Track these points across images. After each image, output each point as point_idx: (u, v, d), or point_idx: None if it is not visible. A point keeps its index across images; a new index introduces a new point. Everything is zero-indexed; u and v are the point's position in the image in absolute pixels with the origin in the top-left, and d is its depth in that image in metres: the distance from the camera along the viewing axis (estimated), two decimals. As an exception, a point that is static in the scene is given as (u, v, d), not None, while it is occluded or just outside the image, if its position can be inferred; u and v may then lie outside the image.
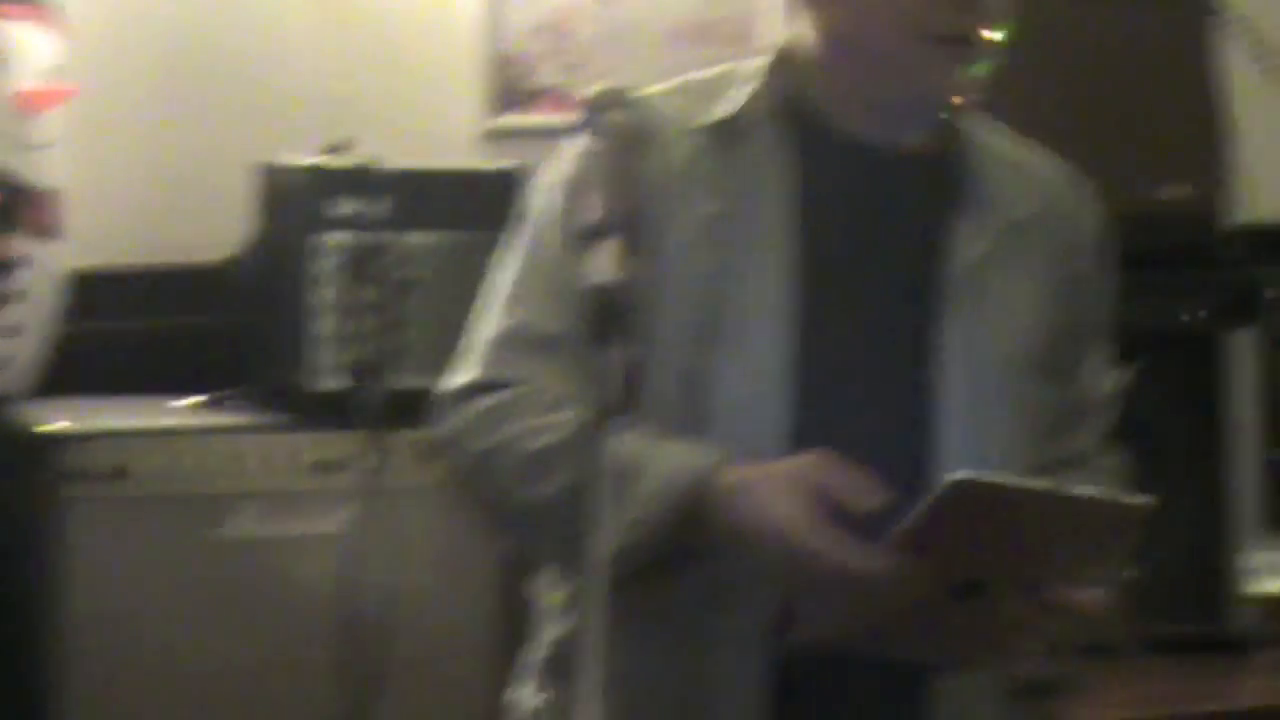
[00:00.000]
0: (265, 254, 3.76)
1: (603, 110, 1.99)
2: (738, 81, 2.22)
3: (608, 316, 1.74)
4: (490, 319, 2.22)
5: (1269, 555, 4.00)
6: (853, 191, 2.20)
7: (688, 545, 2.07)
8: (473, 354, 2.22)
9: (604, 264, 1.79)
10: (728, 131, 2.19)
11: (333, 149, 3.75)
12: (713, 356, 2.13)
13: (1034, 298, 2.23)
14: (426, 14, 4.29)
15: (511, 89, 4.37)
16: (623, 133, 1.96)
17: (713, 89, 2.23)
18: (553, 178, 2.23)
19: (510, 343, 2.20)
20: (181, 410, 3.74)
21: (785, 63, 2.23)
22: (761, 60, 2.24)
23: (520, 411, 2.15)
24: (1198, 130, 4.01)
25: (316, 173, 3.69)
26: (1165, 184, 3.98)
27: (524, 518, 2.18)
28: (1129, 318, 2.39)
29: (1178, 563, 3.77)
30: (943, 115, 2.23)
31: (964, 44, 2.14)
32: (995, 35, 2.16)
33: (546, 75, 4.38)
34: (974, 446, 2.15)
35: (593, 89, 2.02)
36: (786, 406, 2.12)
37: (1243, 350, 3.99)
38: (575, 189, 2.16)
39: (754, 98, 2.20)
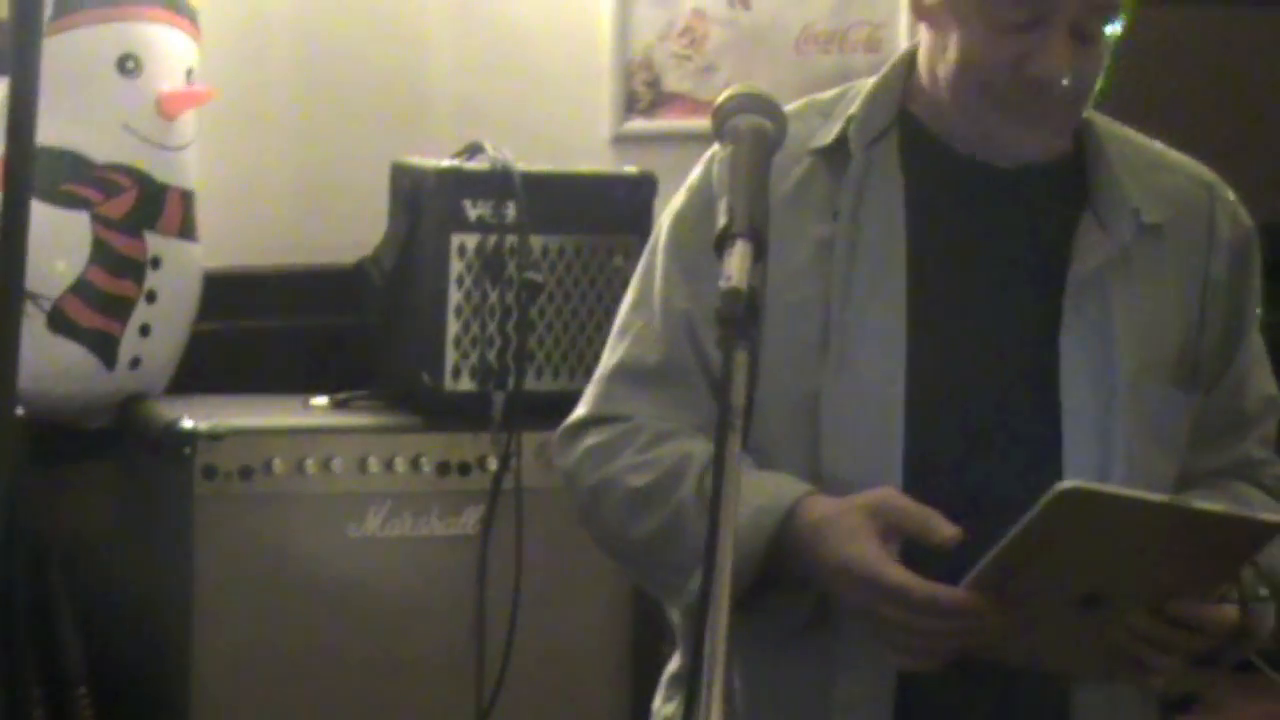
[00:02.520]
0: (398, 256, 3.78)
1: (734, 115, 1.98)
2: (852, 101, 2.22)
3: (735, 320, 1.73)
4: (607, 351, 2.27)
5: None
6: (966, 208, 2.19)
7: (779, 579, 2.07)
8: (590, 388, 2.26)
9: (733, 268, 1.79)
10: (836, 154, 2.19)
11: (466, 152, 3.77)
12: (825, 379, 2.13)
13: (1167, 303, 2.20)
14: (559, 19, 4.31)
15: (642, 94, 4.38)
16: (753, 136, 1.95)
17: (829, 110, 2.24)
18: (669, 209, 2.26)
19: (619, 377, 2.23)
20: (313, 410, 3.77)
21: (901, 79, 2.23)
22: (875, 78, 2.24)
23: (623, 448, 2.18)
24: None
25: (450, 175, 3.70)
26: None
27: (630, 553, 2.21)
28: (1266, 329, 2.36)
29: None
30: (1048, 145, 2.19)
31: (1033, 117, 2.12)
32: (1096, 74, 2.13)
33: (677, 81, 4.38)
34: (1099, 459, 2.13)
35: (725, 92, 2.02)
36: (899, 428, 2.12)
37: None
38: (690, 213, 2.20)
39: (859, 120, 2.20)
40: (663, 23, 4.38)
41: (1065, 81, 2.09)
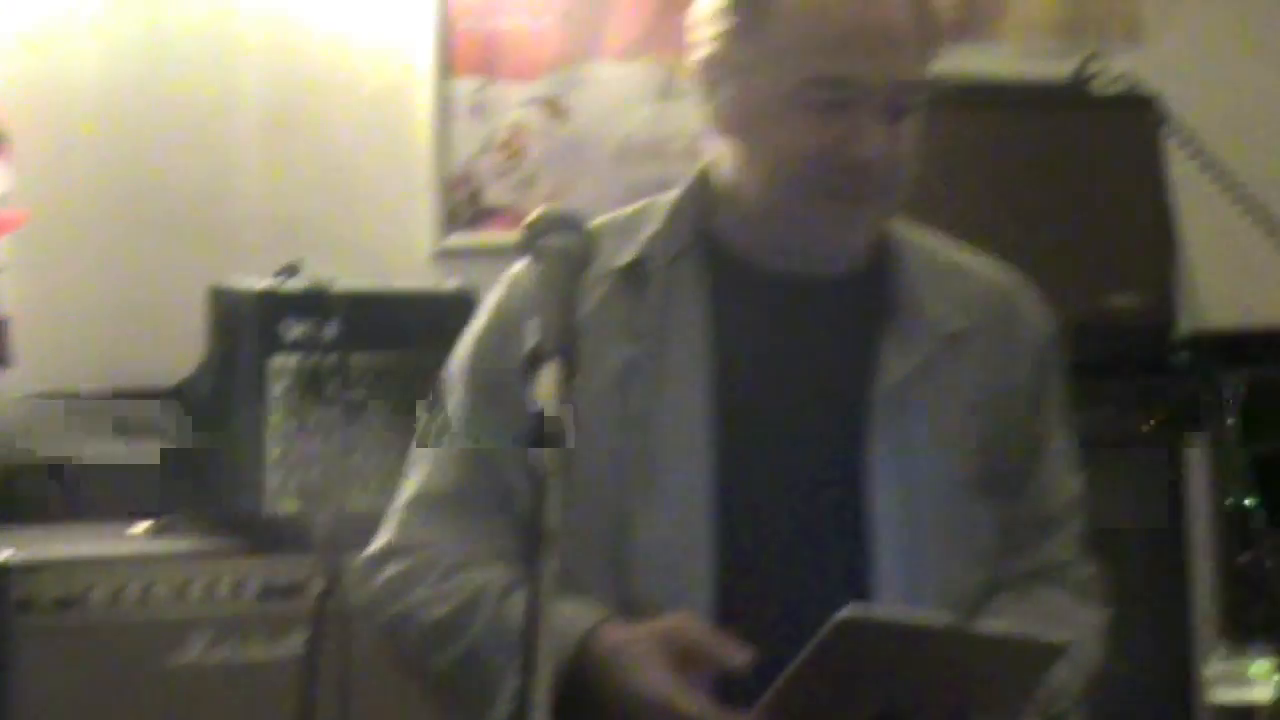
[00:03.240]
0: (216, 378, 3.73)
1: (542, 234, 1.98)
2: (653, 218, 2.22)
3: (545, 443, 1.72)
4: (405, 478, 2.25)
5: (1226, 664, 3.97)
6: (769, 322, 2.19)
7: (582, 707, 2.05)
8: (388, 516, 2.25)
9: (543, 390, 1.78)
10: (636, 274, 2.19)
11: (284, 272, 3.74)
12: (634, 502, 2.12)
13: (968, 412, 2.20)
14: (376, 134, 4.30)
15: (463, 208, 4.37)
16: (560, 255, 1.95)
17: (630, 227, 2.23)
18: (468, 330, 2.25)
19: (416, 505, 2.22)
20: (131, 537, 3.71)
21: (701, 192, 2.23)
22: (672, 196, 2.24)
23: (420, 579, 2.17)
24: (1147, 238, 4.03)
25: (267, 296, 3.67)
26: (1115, 292, 3.99)
27: (433, 684, 2.20)
28: (1081, 427, 2.37)
29: (1139, 674, 3.74)
30: (865, 237, 2.21)
31: (856, 201, 2.14)
32: (909, 154, 2.15)
33: (497, 194, 4.38)
34: (908, 571, 2.13)
35: (532, 213, 2.02)
36: (709, 549, 2.11)
37: (1196, 458, 3.99)
38: (490, 335, 2.19)
39: (659, 237, 2.20)
40: (482, 136, 4.38)
41: (881, 158, 2.11)
